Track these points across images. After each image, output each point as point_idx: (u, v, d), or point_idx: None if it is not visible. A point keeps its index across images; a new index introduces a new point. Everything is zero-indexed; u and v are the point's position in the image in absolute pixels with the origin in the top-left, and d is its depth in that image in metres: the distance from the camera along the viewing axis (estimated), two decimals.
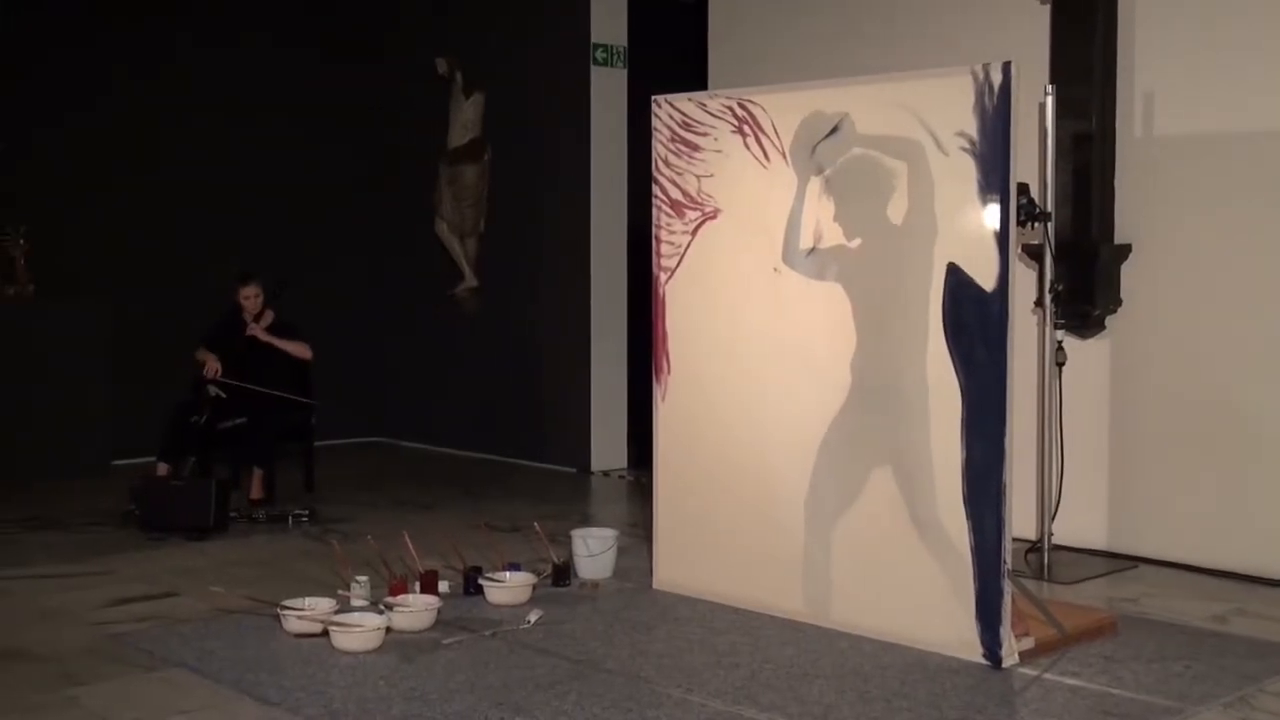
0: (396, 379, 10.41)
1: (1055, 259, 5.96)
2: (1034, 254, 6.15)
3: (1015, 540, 5.02)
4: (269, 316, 7.79)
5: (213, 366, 7.52)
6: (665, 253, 5.64)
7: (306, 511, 7.31)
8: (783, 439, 5.25)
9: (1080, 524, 6.31)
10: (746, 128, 5.32)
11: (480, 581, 5.51)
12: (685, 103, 5.56)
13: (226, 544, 6.71)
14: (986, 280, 4.61)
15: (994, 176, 4.60)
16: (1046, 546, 6.05)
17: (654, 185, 5.67)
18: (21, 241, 8.53)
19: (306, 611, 5.03)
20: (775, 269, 5.25)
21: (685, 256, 5.57)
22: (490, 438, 9.65)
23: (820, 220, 5.10)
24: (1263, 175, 5.87)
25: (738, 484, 5.41)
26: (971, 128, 4.63)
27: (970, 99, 4.62)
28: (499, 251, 9.56)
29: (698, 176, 5.51)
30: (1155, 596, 5.61)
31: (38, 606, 5.51)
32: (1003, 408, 4.60)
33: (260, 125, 9.74)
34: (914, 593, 4.83)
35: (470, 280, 9.71)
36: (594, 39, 8.91)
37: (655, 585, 5.74)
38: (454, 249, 9.76)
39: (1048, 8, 6.36)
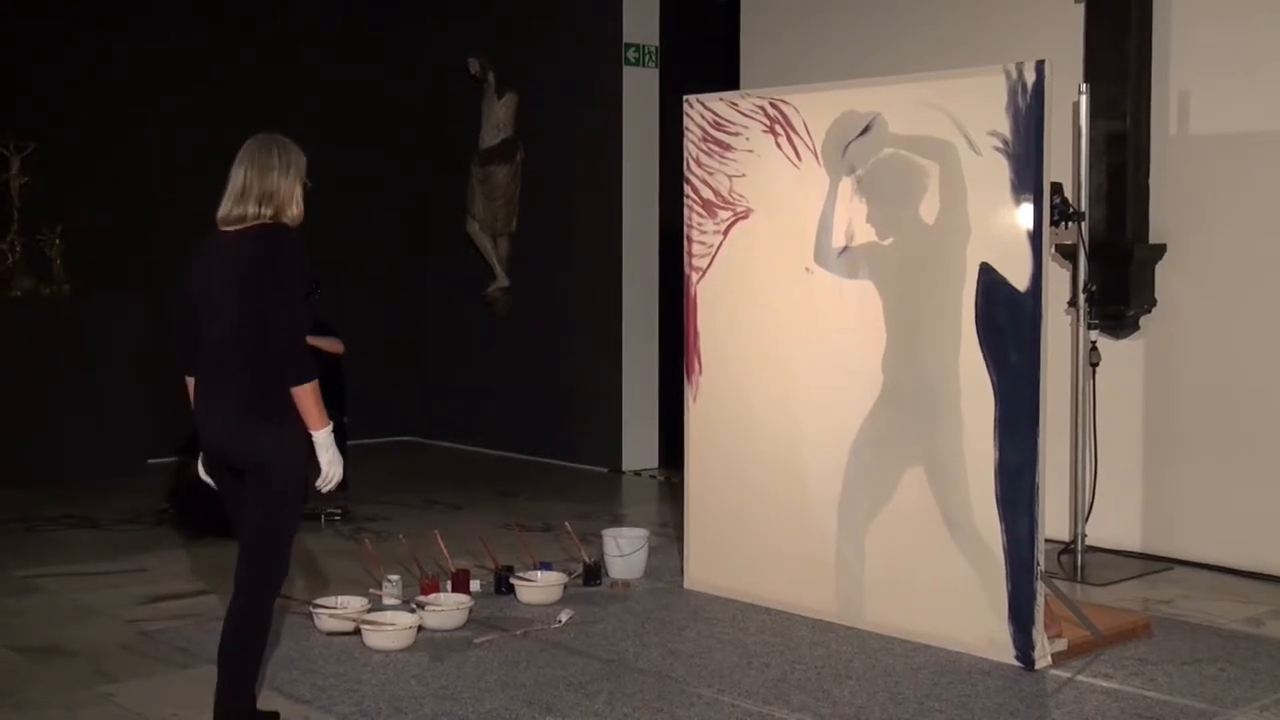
0: (428, 379, 10.44)
1: (1089, 259, 5.93)
2: (1067, 254, 6.12)
3: (1048, 541, 5.00)
4: None
5: None
6: (697, 252, 5.64)
7: (339, 510, 7.34)
8: (814, 439, 5.24)
9: (1114, 525, 6.27)
10: (778, 127, 5.31)
11: (512, 581, 5.53)
12: (717, 102, 5.56)
13: None
14: (1020, 280, 4.60)
15: (1027, 176, 4.58)
16: (1080, 548, 6.02)
17: (685, 185, 5.67)
18: (57, 241, 8.59)
19: (339, 610, 5.06)
20: (807, 269, 5.24)
21: (717, 256, 5.57)
22: (521, 437, 9.66)
23: (852, 220, 5.08)
24: None
25: (769, 484, 5.40)
26: (1004, 127, 4.61)
27: (1003, 98, 4.61)
28: (530, 251, 9.58)
29: (729, 176, 5.51)
30: (1189, 599, 5.57)
31: (73, 604, 5.55)
32: (1035, 408, 4.58)
33: (293, 124, 9.71)
34: (946, 594, 4.82)
35: (502, 280, 9.72)
36: (626, 39, 8.92)
37: (686, 585, 5.74)
38: (485, 249, 9.78)
39: (1081, 6, 6.33)
